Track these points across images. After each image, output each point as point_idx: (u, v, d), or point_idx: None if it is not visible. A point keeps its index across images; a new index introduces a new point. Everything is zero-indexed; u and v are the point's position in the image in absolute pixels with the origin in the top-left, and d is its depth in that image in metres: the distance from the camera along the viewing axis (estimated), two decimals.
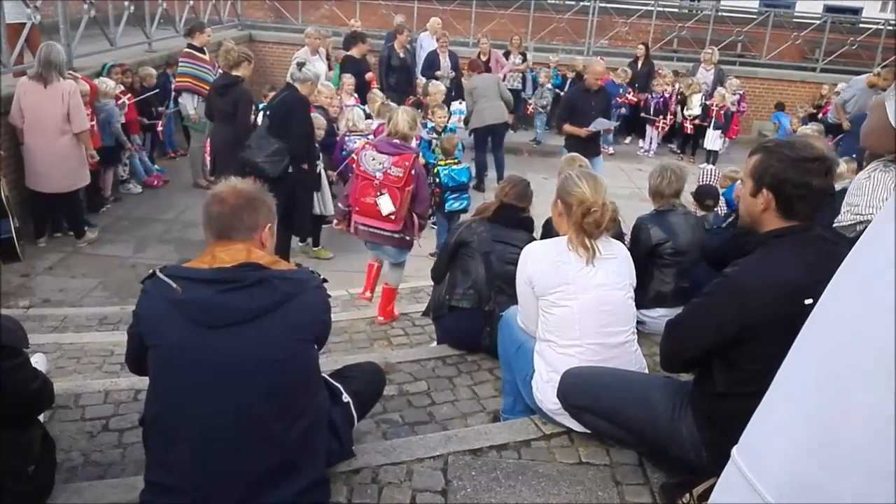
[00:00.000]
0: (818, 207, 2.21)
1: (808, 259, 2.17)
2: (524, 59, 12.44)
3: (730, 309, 2.21)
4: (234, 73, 6.57)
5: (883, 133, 2.21)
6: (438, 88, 8.62)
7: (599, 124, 7.81)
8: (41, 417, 2.71)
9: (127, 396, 3.32)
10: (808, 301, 2.10)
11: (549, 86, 12.08)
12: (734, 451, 0.95)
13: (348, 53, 10.00)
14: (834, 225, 3.17)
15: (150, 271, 2.17)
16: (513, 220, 3.97)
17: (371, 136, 7.32)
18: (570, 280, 2.76)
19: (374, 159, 4.72)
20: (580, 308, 2.76)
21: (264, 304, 2.08)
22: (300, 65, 6.60)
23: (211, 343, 2.04)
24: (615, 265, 2.86)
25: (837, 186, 2.91)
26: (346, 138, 7.33)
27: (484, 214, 4.04)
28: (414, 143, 5.25)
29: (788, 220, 2.25)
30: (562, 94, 11.35)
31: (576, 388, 2.72)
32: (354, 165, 4.97)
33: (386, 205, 4.63)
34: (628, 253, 3.01)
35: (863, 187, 2.87)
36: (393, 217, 4.65)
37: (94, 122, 6.89)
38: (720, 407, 2.32)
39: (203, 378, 2.04)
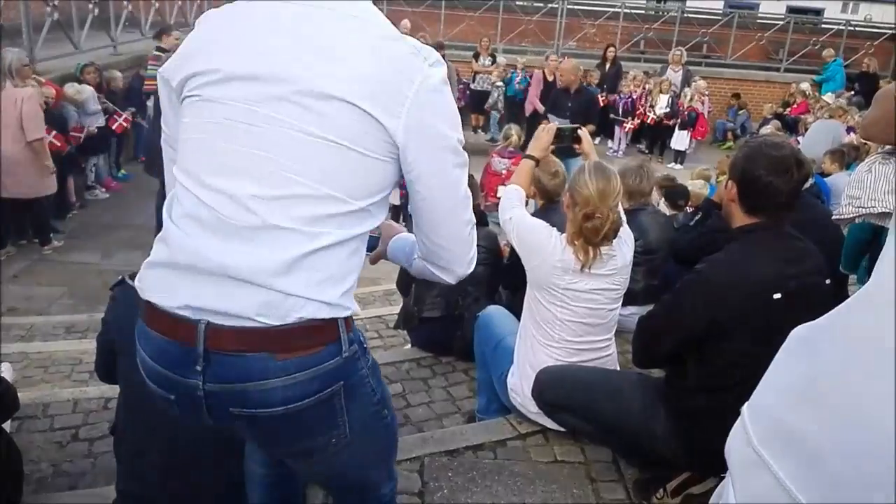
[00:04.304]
0: (784, 206, 2.24)
1: (776, 255, 2.21)
2: (494, 61, 12.49)
3: (699, 305, 2.23)
4: None
5: (890, 125, 2.24)
6: None
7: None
8: (6, 427, 2.65)
9: (97, 405, 3.28)
10: (777, 296, 2.15)
11: (500, 83, 12.20)
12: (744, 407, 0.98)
13: None
14: (834, 217, 3.21)
15: (119, 278, 2.14)
16: None
17: None
18: (561, 288, 2.66)
19: (500, 163, 7.10)
20: (564, 315, 2.70)
21: None
22: None
23: None
24: (610, 282, 2.71)
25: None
26: None
27: None
28: None
29: (752, 215, 2.28)
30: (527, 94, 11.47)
31: (550, 386, 2.73)
32: (487, 167, 7.58)
33: None
34: (630, 261, 2.80)
35: (864, 180, 2.91)
36: None
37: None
38: (692, 402, 2.34)
39: None
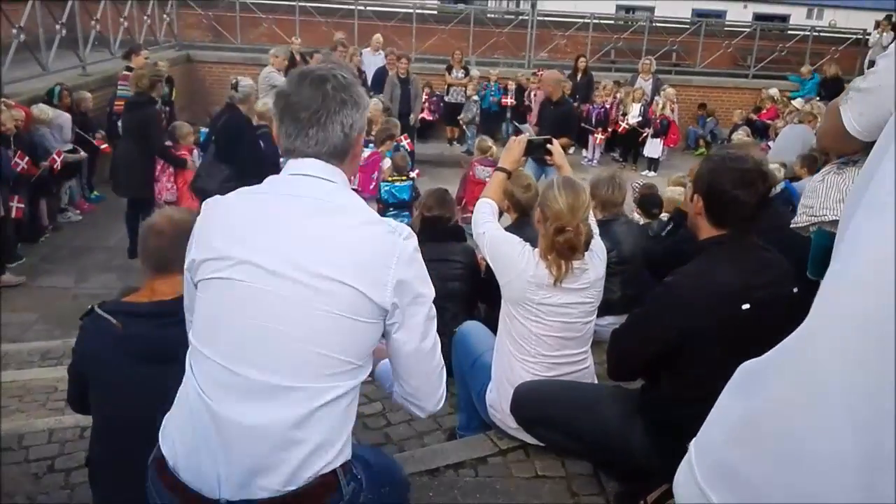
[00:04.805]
0: (750, 218, 2.27)
1: (743, 266, 2.24)
2: (467, 74, 12.56)
3: (669, 317, 2.26)
4: (149, 93, 6.71)
5: (837, 137, 2.29)
6: (376, 107, 8.65)
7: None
8: None
9: (73, 434, 3.23)
10: (745, 306, 2.18)
11: (475, 97, 12.27)
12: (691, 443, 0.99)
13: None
14: (791, 226, 3.27)
15: (89, 307, 2.12)
16: (441, 233, 3.99)
17: None
18: (535, 303, 2.66)
19: (483, 171, 7.41)
20: (539, 330, 2.71)
21: None
22: (234, 86, 6.62)
23: (152, 379, 1.99)
24: (584, 295, 2.72)
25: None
26: None
27: None
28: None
29: (718, 227, 2.31)
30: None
31: (527, 401, 2.74)
32: (471, 174, 7.71)
33: None
34: (603, 275, 2.82)
35: (817, 190, 2.96)
36: None
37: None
38: (668, 413, 2.36)
39: (145, 414, 1.99)
